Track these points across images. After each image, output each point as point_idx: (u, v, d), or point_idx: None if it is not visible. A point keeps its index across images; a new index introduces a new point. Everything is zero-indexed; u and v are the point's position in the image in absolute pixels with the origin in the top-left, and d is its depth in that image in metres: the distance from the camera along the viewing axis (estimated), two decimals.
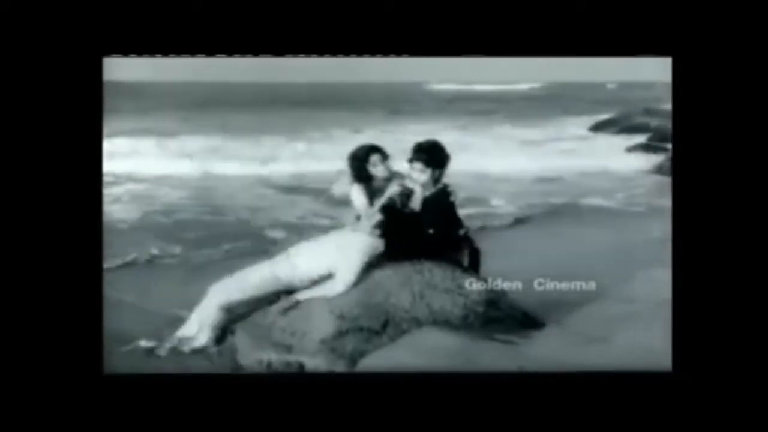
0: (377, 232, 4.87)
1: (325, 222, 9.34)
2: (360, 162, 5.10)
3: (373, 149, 5.14)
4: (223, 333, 5.02)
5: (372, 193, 5.08)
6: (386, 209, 4.92)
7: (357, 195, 5.08)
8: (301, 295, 4.88)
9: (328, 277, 4.87)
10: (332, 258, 4.87)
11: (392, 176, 5.10)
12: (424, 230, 5.01)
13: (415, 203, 5.02)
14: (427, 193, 5.04)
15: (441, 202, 5.07)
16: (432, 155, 5.06)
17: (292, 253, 5.01)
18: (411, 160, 5.04)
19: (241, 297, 4.98)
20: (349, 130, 21.83)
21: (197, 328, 4.93)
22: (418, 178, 5.02)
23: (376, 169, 5.09)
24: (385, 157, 5.13)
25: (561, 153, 17.98)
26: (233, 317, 5.04)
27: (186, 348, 4.85)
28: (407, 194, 5.02)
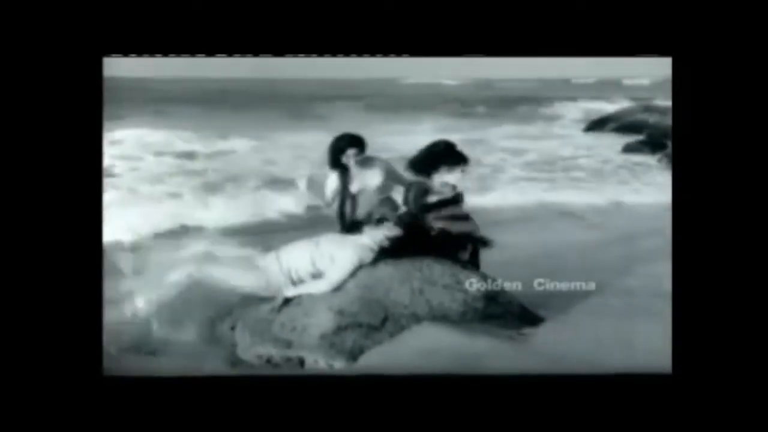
0: (387, 243, 4.80)
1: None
2: (337, 152, 5.20)
3: (353, 143, 5.21)
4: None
5: (346, 182, 5.20)
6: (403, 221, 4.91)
7: (330, 182, 5.26)
8: (288, 292, 4.80)
9: (318, 275, 4.80)
10: (326, 259, 4.79)
11: (366, 164, 5.23)
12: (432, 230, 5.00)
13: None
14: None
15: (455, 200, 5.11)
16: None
17: (286, 248, 4.93)
18: (451, 165, 5.05)
19: (221, 286, 4.93)
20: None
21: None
22: (458, 179, 5.07)
23: (349, 161, 5.19)
24: (362, 150, 5.21)
25: (554, 149, 17.77)
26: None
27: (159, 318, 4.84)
28: (424, 190, 5.03)
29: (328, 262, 4.77)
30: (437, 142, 5.12)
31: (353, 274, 4.75)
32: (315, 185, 5.46)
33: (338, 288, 4.71)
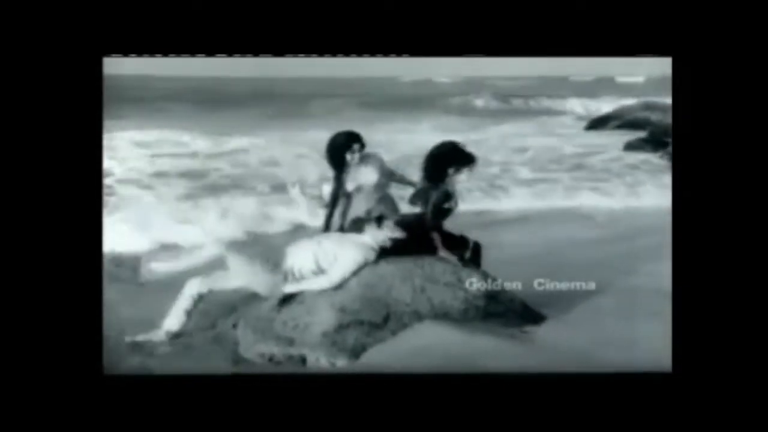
0: (389, 243, 4.78)
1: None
2: (341, 149, 5.09)
3: (354, 137, 5.12)
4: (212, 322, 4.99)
5: (342, 180, 5.11)
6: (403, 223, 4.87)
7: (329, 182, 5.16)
8: (288, 288, 4.77)
9: (320, 273, 4.77)
10: (330, 257, 4.76)
11: (362, 161, 5.13)
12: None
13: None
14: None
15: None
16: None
17: (289, 248, 4.89)
18: (459, 166, 4.97)
19: (224, 287, 4.88)
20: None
21: (173, 315, 4.83)
22: (462, 180, 5.02)
23: (353, 156, 5.08)
24: (363, 146, 5.12)
25: (555, 148, 17.62)
26: (218, 308, 5.02)
27: (165, 336, 4.76)
28: (446, 195, 4.96)
29: (332, 260, 4.74)
30: (444, 143, 5.06)
31: (356, 273, 4.72)
32: (308, 189, 5.36)
33: (339, 286, 4.68)
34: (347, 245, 4.76)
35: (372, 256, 4.77)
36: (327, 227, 5.16)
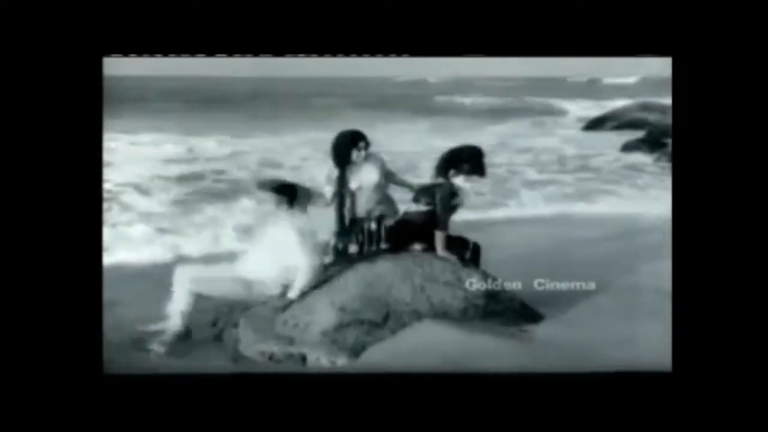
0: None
1: None
2: (347, 147, 5.09)
3: (360, 135, 5.14)
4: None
5: (346, 179, 5.09)
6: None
7: (329, 180, 5.13)
8: (291, 293, 4.77)
9: (291, 269, 4.75)
10: (279, 254, 4.75)
11: (366, 160, 5.13)
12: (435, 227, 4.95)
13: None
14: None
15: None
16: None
17: (246, 258, 4.90)
18: (460, 172, 4.97)
19: (210, 293, 4.81)
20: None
21: (171, 316, 4.75)
22: (465, 186, 4.99)
23: (359, 154, 5.10)
24: (368, 144, 5.14)
25: (552, 149, 17.56)
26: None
27: (164, 337, 4.70)
28: (452, 193, 4.96)
29: (284, 254, 4.72)
30: (471, 146, 5.05)
31: (316, 278, 4.74)
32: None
33: (300, 298, 4.70)
34: (302, 252, 4.72)
35: (328, 258, 4.78)
36: (341, 227, 5.12)
